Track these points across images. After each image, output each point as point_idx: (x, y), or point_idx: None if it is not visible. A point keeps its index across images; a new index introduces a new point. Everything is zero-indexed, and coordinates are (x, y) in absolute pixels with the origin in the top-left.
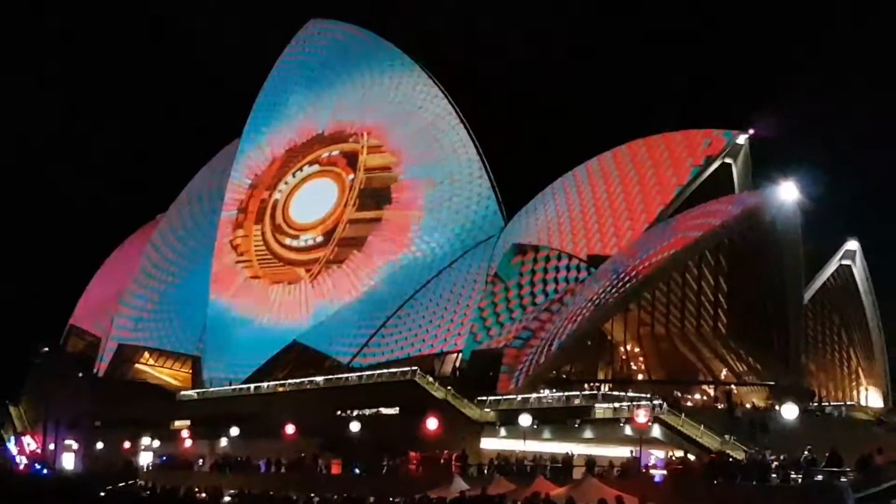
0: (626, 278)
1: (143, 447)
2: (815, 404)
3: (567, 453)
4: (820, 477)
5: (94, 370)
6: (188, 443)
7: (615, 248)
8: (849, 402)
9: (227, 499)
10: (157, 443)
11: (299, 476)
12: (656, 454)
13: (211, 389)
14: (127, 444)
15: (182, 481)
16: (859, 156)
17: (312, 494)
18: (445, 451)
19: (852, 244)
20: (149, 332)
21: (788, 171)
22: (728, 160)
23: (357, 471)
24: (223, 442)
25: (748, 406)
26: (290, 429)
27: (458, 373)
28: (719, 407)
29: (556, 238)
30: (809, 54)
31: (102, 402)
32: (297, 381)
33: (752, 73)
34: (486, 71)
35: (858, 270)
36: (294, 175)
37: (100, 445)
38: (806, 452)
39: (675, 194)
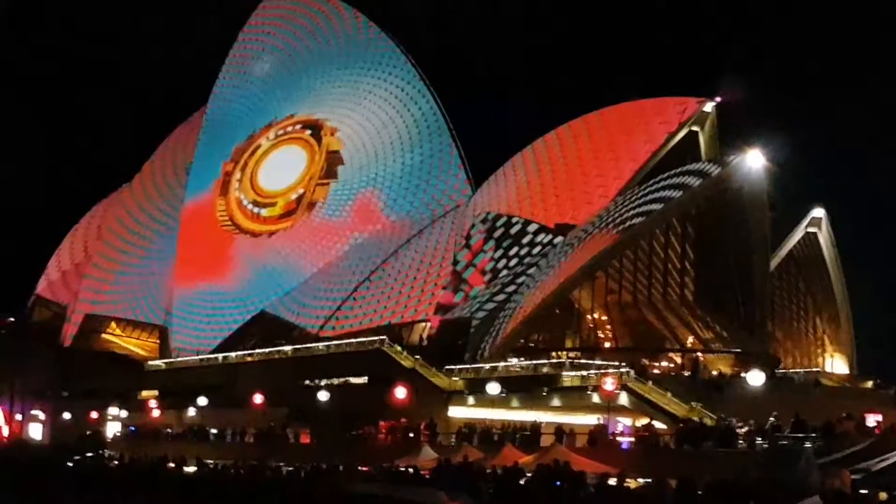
0: (594, 246)
1: (110, 418)
2: (781, 371)
3: (535, 421)
4: (785, 443)
5: (61, 340)
6: (156, 413)
7: (585, 215)
8: (815, 369)
9: (194, 468)
10: (124, 413)
11: (267, 446)
12: (624, 422)
13: (178, 359)
14: (94, 415)
15: (150, 451)
16: (826, 123)
17: (280, 464)
18: (413, 420)
19: (818, 212)
20: (115, 301)
21: (755, 139)
22: (695, 128)
23: (325, 440)
24: (191, 412)
25: (714, 373)
26: (257, 398)
27: (426, 342)
28: (685, 374)
29: (525, 206)
30: (776, 23)
31: (69, 373)
32: (265, 350)
33: (718, 41)
34: (451, 38)
35: (824, 238)
36: (261, 145)
37: (67, 416)
38: (772, 419)
39: (647, 162)
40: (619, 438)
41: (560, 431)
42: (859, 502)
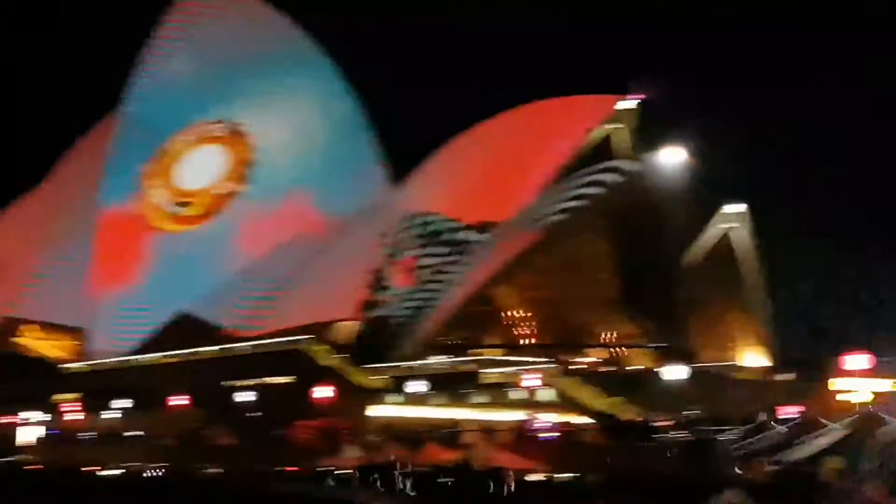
0: (517, 243)
1: (29, 421)
2: (699, 365)
3: (457, 419)
4: (702, 436)
5: None
6: (76, 416)
7: (507, 213)
8: (732, 362)
9: (115, 471)
10: (44, 416)
11: (189, 447)
12: (545, 417)
13: (98, 362)
14: (12, 419)
15: (69, 454)
16: (743, 121)
17: (203, 465)
18: (336, 420)
19: (734, 207)
20: (33, 304)
21: (673, 136)
22: (615, 125)
23: (247, 441)
24: (112, 414)
25: (637, 368)
26: (179, 400)
27: (349, 341)
28: (607, 369)
29: (448, 204)
30: (693, 21)
31: None
32: (186, 351)
33: (639, 40)
34: (372, 36)
35: (740, 232)
36: (180, 145)
37: None
38: (691, 411)
39: (568, 159)
40: (540, 434)
41: (484, 428)
42: (777, 491)
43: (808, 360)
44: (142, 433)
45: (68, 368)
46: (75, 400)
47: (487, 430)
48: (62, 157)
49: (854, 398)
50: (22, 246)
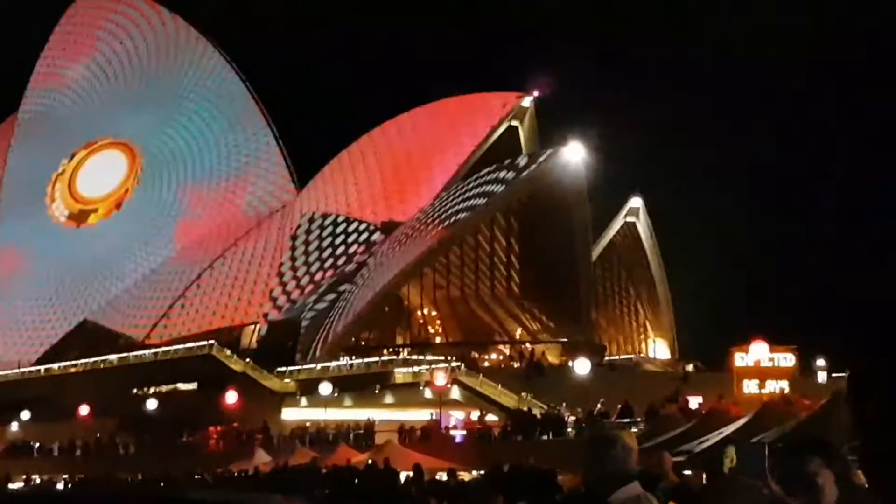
0: (421, 242)
1: None
2: (606, 359)
3: (368, 420)
4: (609, 429)
5: None
6: None
7: (411, 212)
8: (639, 355)
9: (18, 485)
10: None
11: (97, 458)
12: (456, 415)
13: None
14: None
15: None
16: (641, 114)
17: (114, 475)
18: (246, 424)
19: (636, 201)
20: None
21: (573, 132)
22: (515, 122)
23: (156, 449)
24: (14, 427)
25: (544, 363)
26: (84, 410)
27: (256, 345)
28: (515, 365)
29: (352, 204)
30: (591, 15)
31: None
32: (90, 360)
33: (537, 37)
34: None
35: (643, 226)
36: (79, 150)
37: None
38: (599, 405)
39: (470, 156)
40: (452, 432)
41: (401, 429)
42: (680, 484)
43: (712, 350)
44: (48, 445)
45: None
46: None
47: (400, 429)
48: None
49: (758, 388)
50: None
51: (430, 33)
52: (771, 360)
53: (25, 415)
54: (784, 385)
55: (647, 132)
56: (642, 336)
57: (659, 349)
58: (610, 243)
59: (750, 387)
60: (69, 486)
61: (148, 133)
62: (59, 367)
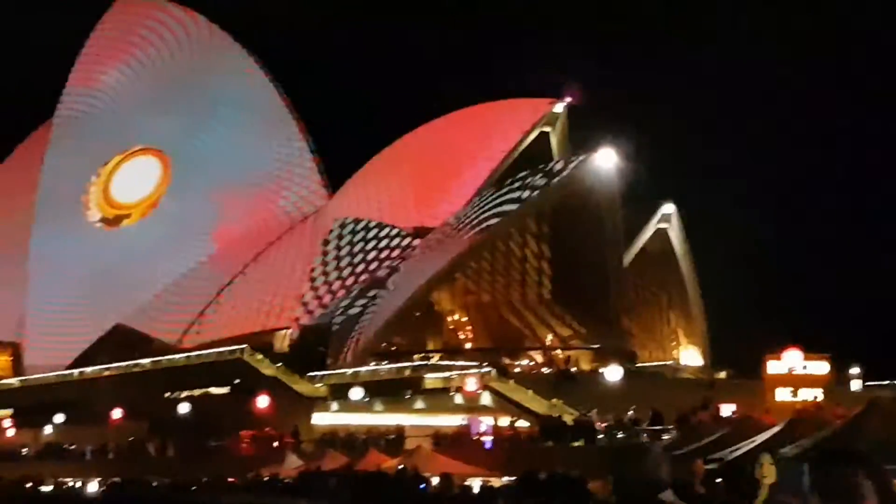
0: (452, 248)
1: None
2: (637, 365)
3: (399, 425)
4: (646, 436)
5: None
6: (11, 432)
7: (443, 217)
8: (670, 362)
9: (51, 487)
10: None
11: (128, 461)
12: (487, 421)
13: (33, 376)
14: None
15: (6, 472)
16: (675, 120)
17: (144, 479)
18: (277, 428)
19: (668, 207)
20: None
21: (605, 138)
22: (547, 128)
23: (187, 453)
24: (48, 430)
25: (575, 369)
26: (117, 413)
27: (288, 349)
28: (545, 371)
29: (384, 209)
30: (627, 22)
31: None
32: (123, 364)
33: (568, 43)
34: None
35: (675, 233)
36: (113, 156)
37: None
38: (630, 412)
39: (501, 163)
40: (482, 438)
41: (426, 434)
42: (712, 491)
43: (744, 357)
44: (81, 448)
45: (3, 384)
46: (10, 416)
47: (429, 435)
48: None
49: (791, 396)
50: None
51: (463, 39)
52: (804, 367)
53: (59, 418)
54: (818, 393)
55: (680, 137)
56: (674, 343)
57: (691, 356)
58: (642, 250)
59: (783, 395)
60: (102, 488)
61: (181, 138)
62: (92, 371)
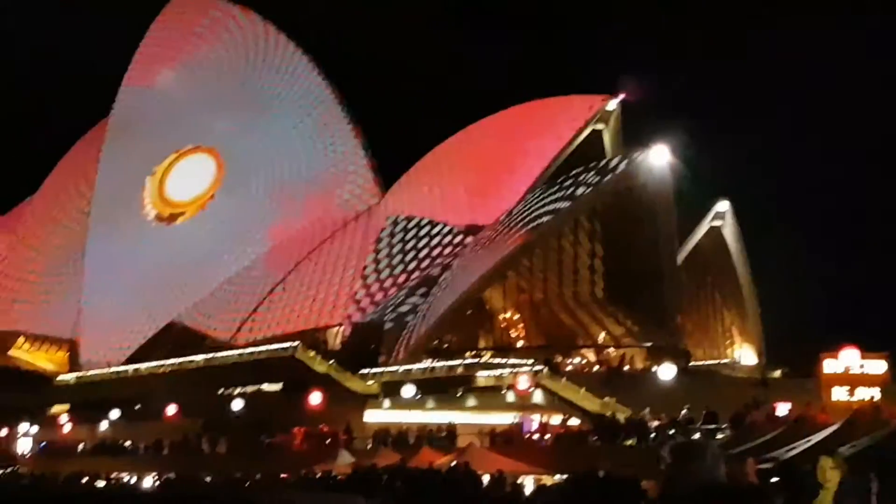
0: (504, 245)
1: (20, 434)
2: (691, 364)
3: (451, 422)
4: (697, 435)
5: None
6: (67, 428)
7: (494, 215)
8: (724, 361)
9: (106, 483)
10: (35, 429)
11: (183, 457)
12: (538, 419)
13: (89, 373)
14: (3, 432)
15: (63, 467)
16: (729, 118)
17: (199, 475)
18: (329, 426)
19: (723, 205)
20: (23, 316)
21: (659, 135)
22: (600, 126)
23: (240, 449)
24: (104, 426)
25: (627, 368)
26: (171, 410)
27: (340, 346)
28: (597, 370)
29: (436, 207)
30: (679, 20)
31: None
32: (177, 360)
33: (621, 38)
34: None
35: (729, 230)
36: (168, 154)
37: None
38: (684, 411)
39: (554, 160)
40: (534, 436)
41: (478, 432)
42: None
43: (800, 356)
44: (134, 444)
45: (60, 381)
46: (67, 412)
47: (481, 433)
48: (55, 166)
49: (848, 396)
50: (14, 257)
51: (514, 35)
52: (861, 366)
53: (115, 414)
54: (875, 392)
55: (735, 135)
56: (728, 342)
57: (746, 355)
58: (696, 247)
59: (839, 394)
60: (157, 484)
61: (236, 137)
62: (147, 368)
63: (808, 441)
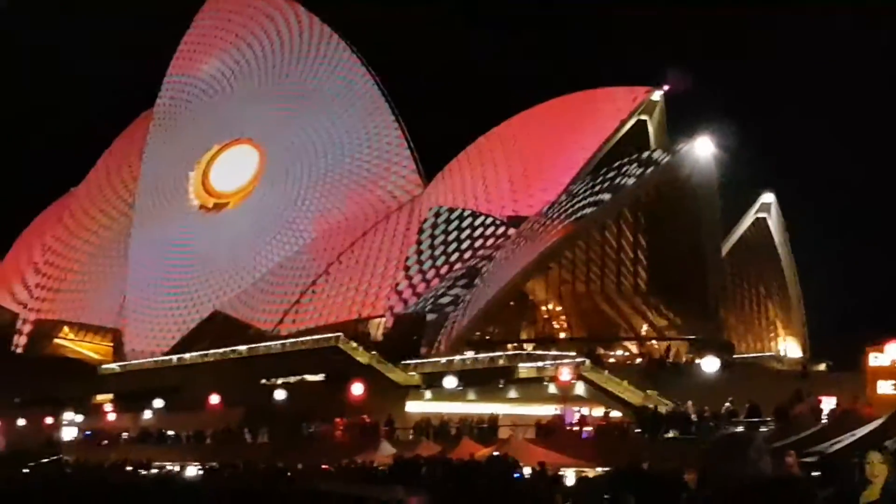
0: (547, 237)
1: (65, 422)
2: (734, 356)
3: (492, 414)
4: (740, 428)
5: (13, 346)
6: (111, 417)
7: (538, 207)
8: (767, 354)
9: (152, 471)
10: (79, 418)
11: (225, 446)
12: (581, 411)
13: (133, 362)
14: (49, 420)
15: (106, 455)
16: (774, 109)
17: (238, 463)
18: (371, 416)
19: (768, 197)
20: (68, 305)
21: (703, 126)
22: (644, 117)
23: (282, 439)
24: (147, 415)
25: (670, 360)
26: (214, 399)
27: (382, 337)
28: (639, 362)
29: (479, 198)
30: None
31: (23, 379)
32: (220, 350)
33: (666, 30)
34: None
35: (774, 223)
36: (211, 145)
37: (21, 422)
38: (727, 404)
39: (598, 151)
40: (576, 428)
41: (520, 423)
42: (811, 485)
43: (843, 349)
44: (177, 433)
45: (105, 370)
46: (111, 401)
47: (523, 424)
48: (99, 157)
49: (893, 389)
50: (59, 248)
51: (555, 27)
52: None
53: (158, 403)
54: None
55: (781, 125)
56: (772, 334)
57: (790, 348)
58: (740, 239)
59: (885, 387)
60: (200, 473)
61: (279, 128)
62: (190, 357)
63: (853, 435)
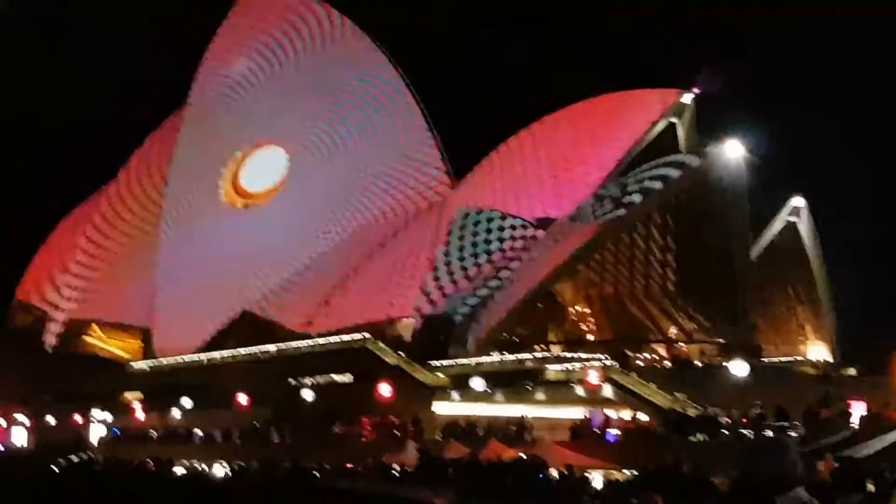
0: (576, 238)
1: (94, 420)
2: (764, 360)
3: (520, 416)
4: (769, 432)
5: (43, 344)
6: (140, 415)
7: (567, 208)
8: (796, 358)
9: (180, 469)
10: (108, 416)
11: (252, 446)
12: (608, 413)
13: (162, 361)
14: (78, 418)
15: (134, 453)
16: (804, 112)
17: (266, 463)
18: (398, 417)
19: (798, 200)
20: (97, 304)
21: (734, 129)
22: (674, 119)
23: (309, 439)
24: (175, 413)
25: (699, 363)
26: (242, 398)
27: (410, 338)
28: (668, 365)
29: (508, 199)
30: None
31: (52, 377)
32: (249, 350)
33: (695, 31)
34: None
35: (804, 226)
36: (242, 144)
37: (50, 420)
38: (756, 408)
39: (627, 153)
40: (604, 430)
41: (548, 425)
42: (843, 489)
43: (873, 353)
44: (205, 432)
45: (133, 368)
46: (139, 399)
47: (551, 426)
48: (130, 155)
49: None
50: (89, 247)
51: (582, 29)
52: None
53: (186, 402)
54: None
55: (812, 128)
56: (801, 338)
57: (819, 352)
58: (770, 243)
59: None
60: (228, 472)
61: (309, 129)
62: (220, 357)
63: (882, 440)
